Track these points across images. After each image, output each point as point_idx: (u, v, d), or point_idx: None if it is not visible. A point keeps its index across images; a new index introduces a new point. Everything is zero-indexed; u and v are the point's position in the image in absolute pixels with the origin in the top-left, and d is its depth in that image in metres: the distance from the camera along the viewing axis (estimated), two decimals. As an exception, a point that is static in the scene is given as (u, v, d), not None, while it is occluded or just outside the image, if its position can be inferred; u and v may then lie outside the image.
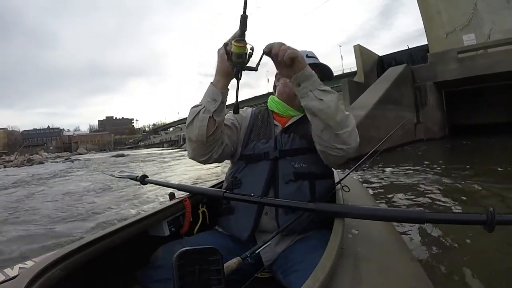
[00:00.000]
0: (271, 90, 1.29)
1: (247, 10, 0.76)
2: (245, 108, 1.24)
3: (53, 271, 0.65)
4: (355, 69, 19.56)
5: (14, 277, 0.72)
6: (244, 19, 0.77)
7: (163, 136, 75.12)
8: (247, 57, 0.81)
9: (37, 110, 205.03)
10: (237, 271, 0.76)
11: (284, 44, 0.87)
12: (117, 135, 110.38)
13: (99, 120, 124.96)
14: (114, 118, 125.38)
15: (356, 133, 0.95)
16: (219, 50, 0.89)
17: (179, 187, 1.26)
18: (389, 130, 1.41)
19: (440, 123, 13.54)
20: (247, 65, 0.82)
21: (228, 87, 0.94)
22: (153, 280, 0.89)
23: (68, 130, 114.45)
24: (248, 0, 0.74)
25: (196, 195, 1.22)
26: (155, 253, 0.96)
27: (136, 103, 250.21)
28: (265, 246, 0.81)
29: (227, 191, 1.03)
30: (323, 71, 1.14)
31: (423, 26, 17.07)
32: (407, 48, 19.44)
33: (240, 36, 0.79)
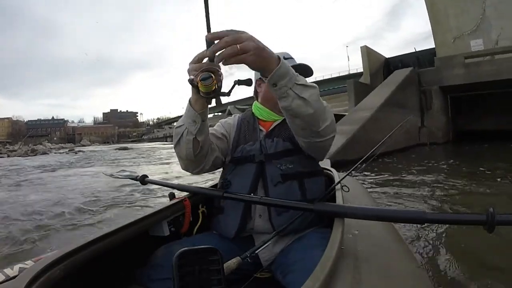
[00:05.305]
0: None
1: (211, 30, 0.68)
2: (233, 115, 1.26)
3: (53, 271, 0.65)
4: (361, 69, 19.46)
5: (14, 277, 0.72)
6: (209, 43, 0.67)
7: (166, 130, 74.92)
8: (216, 90, 0.73)
9: (42, 101, 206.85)
10: (237, 271, 0.76)
11: (234, 38, 0.67)
12: (121, 128, 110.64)
13: (103, 113, 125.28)
14: (118, 111, 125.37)
15: (333, 123, 0.92)
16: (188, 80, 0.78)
17: (179, 187, 1.27)
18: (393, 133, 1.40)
19: (444, 128, 13.46)
20: (221, 91, 0.74)
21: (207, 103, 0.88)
22: (152, 279, 0.90)
23: (72, 122, 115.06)
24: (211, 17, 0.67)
25: (196, 195, 1.22)
26: (155, 252, 0.97)
27: (141, 96, 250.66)
28: (264, 246, 0.81)
29: (227, 191, 1.04)
30: (302, 69, 1.03)
31: (430, 29, 16.96)
32: (414, 51, 19.31)
33: (208, 70, 0.69)
